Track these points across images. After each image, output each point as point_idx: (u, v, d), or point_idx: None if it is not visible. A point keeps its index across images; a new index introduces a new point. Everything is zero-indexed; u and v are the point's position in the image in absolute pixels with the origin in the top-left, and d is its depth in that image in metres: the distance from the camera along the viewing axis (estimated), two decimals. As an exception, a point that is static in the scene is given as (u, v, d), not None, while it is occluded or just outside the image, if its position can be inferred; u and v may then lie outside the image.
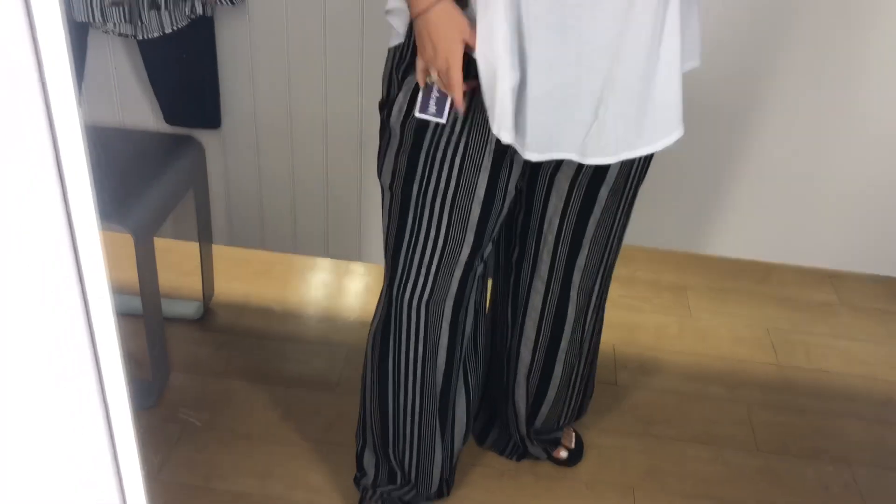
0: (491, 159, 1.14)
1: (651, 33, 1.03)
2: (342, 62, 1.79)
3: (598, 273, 1.36)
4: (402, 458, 1.42)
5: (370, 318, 2.08)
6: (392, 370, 1.34)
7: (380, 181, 1.24)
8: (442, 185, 1.16)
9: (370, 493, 1.50)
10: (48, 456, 0.59)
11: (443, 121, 1.10)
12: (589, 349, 1.49)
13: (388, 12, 1.13)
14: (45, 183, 0.50)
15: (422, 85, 1.09)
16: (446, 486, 1.51)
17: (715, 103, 1.79)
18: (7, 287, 0.50)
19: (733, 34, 1.73)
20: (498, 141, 1.10)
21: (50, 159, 0.50)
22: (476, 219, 1.19)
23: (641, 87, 1.06)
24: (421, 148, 1.14)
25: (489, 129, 1.08)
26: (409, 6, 1.06)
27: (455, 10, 1.03)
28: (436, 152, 1.13)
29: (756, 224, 1.97)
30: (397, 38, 1.14)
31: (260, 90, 1.85)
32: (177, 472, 1.63)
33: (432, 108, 1.10)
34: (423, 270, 1.24)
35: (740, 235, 1.99)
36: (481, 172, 1.15)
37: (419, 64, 1.08)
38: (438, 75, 1.06)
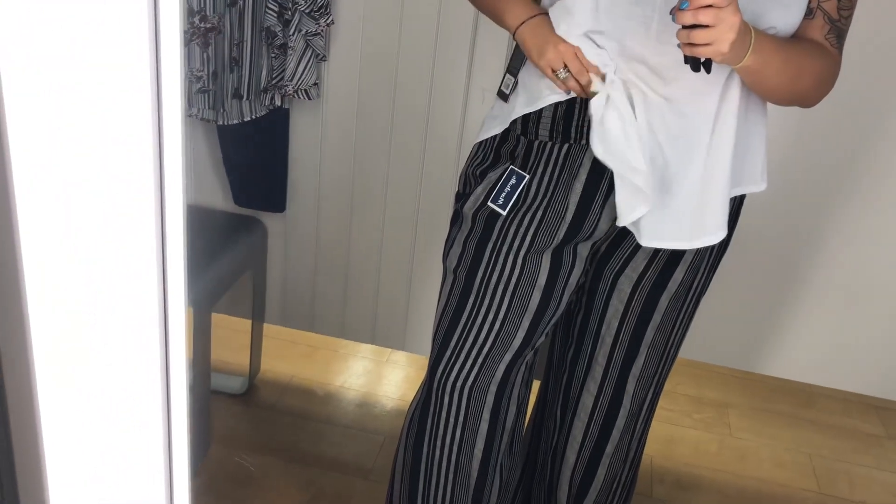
0: (551, 253, 1.20)
1: (709, 140, 1.10)
2: (404, 163, 1.89)
3: (652, 381, 1.37)
4: None
5: (407, 408, 2.11)
6: (426, 454, 1.35)
7: (444, 264, 1.30)
8: (506, 272, 1.21)
9: None
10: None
11: (504, 213, 1.19)
12: (634, 456, 1.48)
13: (492, 117, 1.24)
14: (148, 256, 0.56)
15: (551, 75, 1.13)
16: None
17: (771, 221, 1.83)
18: (104, 344, 0.56)
19: (795, 158, 1.78)
20: (564, 234, 1.17)
21: (154, 239, 0.56)
22: (535, 308, 1.24)
23: (696, 186, 1.13)
24: (490, 235, 1.21)
25: (556, 222, 1.16)
26: (510, 25, 1.17)
27: (549, 22, 1.14)
28: (504, 241, 1.20)
29: (803, 346, 1.97)
30: (486, 134, 1.23)
31: (325, 181, 1.95)
32: (206, 544, 1.64)
33: (500, 200, 1.19)
34: (473, 354, 1.27)
35: (787, 356, 1.99)
36: (543, 262, 1.21)
37: (545, 69, 1.13)
38: (565, 65, 1.12)
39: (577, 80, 1.12)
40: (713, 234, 1.19)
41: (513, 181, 1.19)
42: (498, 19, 1.22)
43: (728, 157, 1.13)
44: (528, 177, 1.18)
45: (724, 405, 2.29)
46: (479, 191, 1.22)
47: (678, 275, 1.26)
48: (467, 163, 1.27)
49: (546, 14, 1.15)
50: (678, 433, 2.14)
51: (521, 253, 1.21)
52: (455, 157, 1.86)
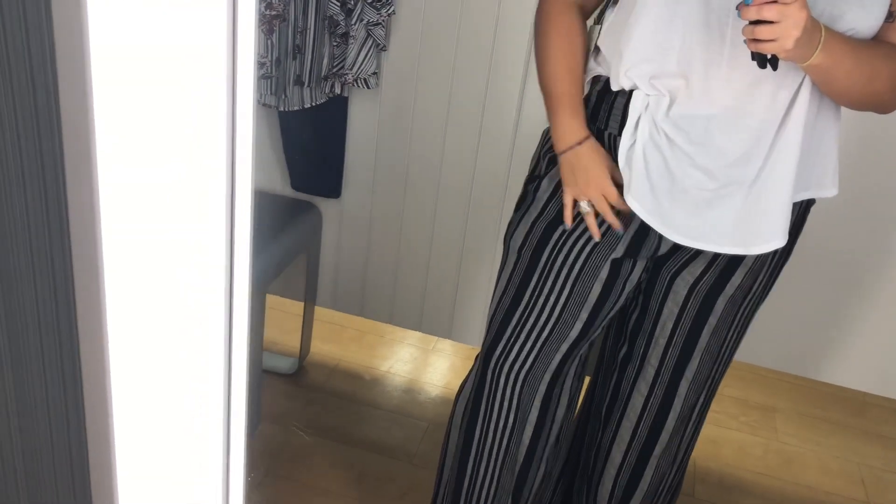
0: (623, 247, 1.22)
1: (772, 143, 1.09)
2: (459, 155, 1.91)
3: (705, 385, 1.36)
4: None
5: (451, 396, 2.13)
6: (478, 437, 1.37)
7: (507, 244, 1.32)
8: (571, 258, 1.23)
9: None
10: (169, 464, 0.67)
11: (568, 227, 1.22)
12: (682, 460, 1.47)
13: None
14: (218, 238, 0.59)
15: (569, 222, 1.21)
16: None
17: (835, 226, 1.80)
18: (172, 323, 0.59)
19: (864, 164, 1.75)
20: (634, 233, 1.19)
21: (224, 222, 0.58)
22: (594, 300, 1.25)
23: (753, 192, 1.12)
24: (562, 220, 1.22)
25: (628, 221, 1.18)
26: (556, 142, 1.19)
27: (600, 148, 1.18)
28: (574, 229, 1.22)
29: (858, 353, 1.93)
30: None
31: (381, 169, 1.98)
32: (253, 516, 1.70)
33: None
34: (531, 340, 1.29)
35: (840, 362, 1.96)
36: (610, 255, 1.22)
37: (567, 197, 1.19)
38: (591, 203, 1.18)
39: (594, 220, 1.19)
40: (772, 241, 1.17)
41: None
42: (547, 109, 1.23)
43: (793, 163, 1.11)
44: None
45: (770, 409, 2.26)
46: (555, 173, 1.23)
47: (737, 279, 1.25)
48: (539, 145, 1.29)
49: (592, 138, 1.18)
50: (723, 435, 2.12)
51: (591, 242, 1.22)
52: (509, 150, 1.87)
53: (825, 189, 1.21)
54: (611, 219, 1.19)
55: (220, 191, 0.57)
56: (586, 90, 1.20)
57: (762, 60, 0.99)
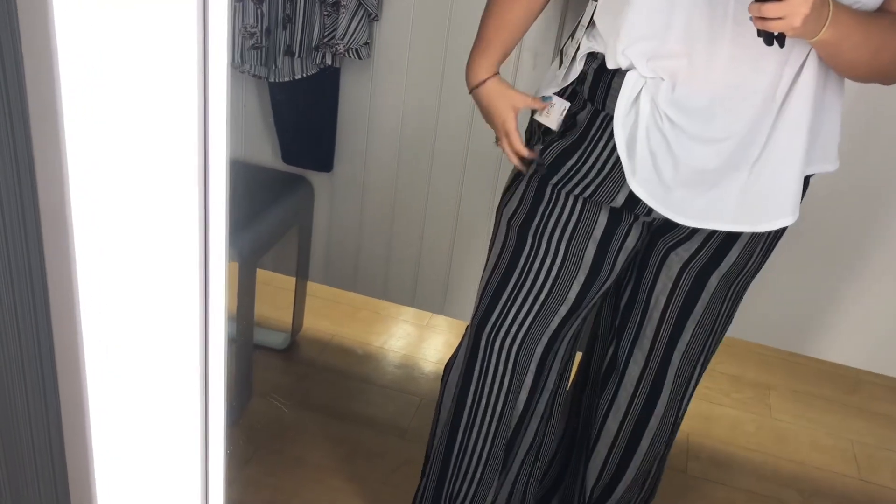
0: (609, 210, 1.20)
1: (774, 121, 1.07)
2: (452, 125, 1.88)
3: (698, 360, 1.36)
4: (455, 497, 1.43)
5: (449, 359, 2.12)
6: (470, 404, 1.36)
7: (500, 213, 1.31)
8: (563, 219, 1.21)
9: None
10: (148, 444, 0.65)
11: (554, 127, 1.20)
12: (672, 432, 1.47)
13: (554, 75, 1.26)
14: (190, 208, 0.57)
15: (513, 161, 1.26)
16: None
17: (831, 201, 1.78)
18: (143, 293, 0.57)
19: (859, 138, 1.73)
20: (623, 202, 1.17)
21: (197, 190, 0.56)
22: (589, 262, 1.23)
23: (757, 171, 1.10)
24: (554, 174, 1.20)
25: (615, 190, 1.16)
26: (467, 81, 1.27)
27: (503, 86, 1.24)
28: (562, 189, 1.20)
29: (852, 330, 1.92)
30: (549, 90, 1.24)
31: (373, 142, 1.95)
32: (244, 491, 1.69)
33: (543, 117, 1.22)
34: (527, 305, 1.27)
35: (834, 339, 1.95)
36: (601, 216, 1.20)
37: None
38: (500, 140, 1.25)
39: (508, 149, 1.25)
40: (780, 218, 1.15)
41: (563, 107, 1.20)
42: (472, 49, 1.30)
43: (802, 138, 1.09)
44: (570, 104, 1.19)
45: (764, 386, 2.26)
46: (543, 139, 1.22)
47: (732, 256, 1.24)
48: (531, 117, 1.27)
49: (499, 77, 1.25)
50: (716, 411, 2.12)
51: (581, 198, 1.20)
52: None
53: (827, 163, 1.19)
54: (515, 161, 1.24)
55: (192, 159, 0.55)
56: (580, 67, 1.17)
57: (769, 38, 0.97)
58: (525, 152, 1.23)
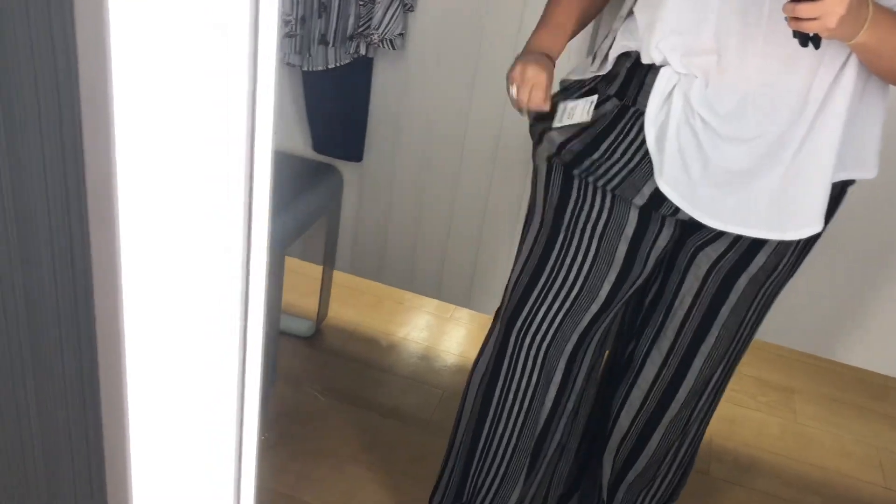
0: (639, 209, 1.18)
1: (809, 126, 1.06)
2: (484, 119, 1.88)
3: (721, 362, 1.34)
4: (479, 489, 1.43)
5: (468, 364, 2.13)
6: (498, 397, 1.36)
7: (529, 206, 1.30)
8: (595, 209, 1.20)
9: None
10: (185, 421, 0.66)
11: (588, 119, 1.18)
12: (694, 435, 1.46)
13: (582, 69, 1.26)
14: (237, 199, 0.57)
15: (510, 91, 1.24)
16: None
17: (867, 205, 1.75)
18: (188, 277, 0.58)
19: None
20: (649, 196, 1.16)
21: (243, 181, 0.57)
22: (622, 258, 1.22)
23: (788, 175, 1.09)
24: (573, 171, 1.19)
25: (642, 182, 1.15)
26: (525, 49, 1.26)
27: (551, 64, 1.23)
28: (588, 178, 1.19)
29: (883, 336, 1.90)
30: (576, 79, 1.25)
31: (403, 133, 1.96)
32: (266, 476, 1.70)
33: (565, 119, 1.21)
34: (559, 300, 1.26)
35: (864, 345, 1.92)
36: (632, 214, 1.19)
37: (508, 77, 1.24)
38: (518, 91, 1.21)
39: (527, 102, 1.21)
40: (807, 227, 1.13)
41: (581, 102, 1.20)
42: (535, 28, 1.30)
43: (835, 145, 1.07)
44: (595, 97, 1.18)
45: (790, 390, 2.24)
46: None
47: (760, 258, 1.22)
48: (552, 127, 1.26)
49: (545, 55, 1.23)
50: (741, 414, 2.11)
51: (609, 193, 1.18)
52: (535, 118, 1.84)
53: (865, 170, 1.16)
54: (523, 104, 1.21)
55: (240, 150, 0.55)
56: (610, 66, 1.17)
57: (804, 39, 0.95)
58: (545, 106, 1.20)
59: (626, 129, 1.15)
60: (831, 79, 1.04)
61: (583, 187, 1.20)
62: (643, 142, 1.13)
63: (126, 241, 0.55)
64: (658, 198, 1.15)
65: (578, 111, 1.18)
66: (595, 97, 1.17)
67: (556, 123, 1.20)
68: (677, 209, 1.15)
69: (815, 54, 1.00)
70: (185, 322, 0.60)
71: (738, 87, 1.07)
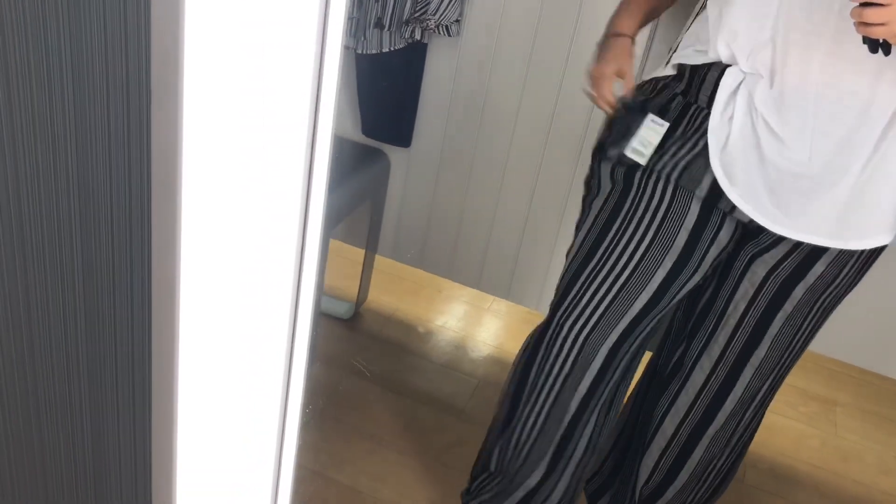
0: (700, 203, 1.17)
1: (881, 134, 1.03)
2: (535, 111, 1.87)
3: (771, 373, 1.31)
4: (506, 466, 1.42)
5: (504, 356, 2.12)
6: (533, 379, 1.35)
7: (585, 202, 1.30)
8: (657, 197, 1.19)
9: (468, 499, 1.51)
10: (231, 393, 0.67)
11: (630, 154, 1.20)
12: (736, 446, 1.44)
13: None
14: (296, 182, 0.57)
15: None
16: None
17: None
18: (242, 260, 0.58)
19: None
20: (707, 197, 1.14)
21: (303, 166, 0.57)
22: (680, 247, 1.20)
23: (858, 183, 1.06)
24: (638, 167, 1.19)
25: (700, 175, 1.13)
26: (607, 30, 1.29)
27: (632, 48, 1.25)
28: (652, 169, 1.18)
29: (929, 353, 1.85)
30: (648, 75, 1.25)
31: (453, 121, 1.95)
32: (299, 454, 1.72)
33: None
34: (608, 284, 1.25)
35: (908, 361, 1.88)
36: (693, 206, 1.17)
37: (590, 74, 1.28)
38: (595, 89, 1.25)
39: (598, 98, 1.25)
40: (875, 237, 1.10)
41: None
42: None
43: None
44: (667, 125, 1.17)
45: (831, 402, 2.19)
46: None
47: (819, 268, 1.19)
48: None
49: (628, 38, 1.26)
50: (780, 423, 2.07)
51: (671, 183, 1.17)
52: (588, 113, 1.82)
53: None
54: (601, 103, 1.25)
55: (302, 134, 0.55)
56: (678, 61, 1.16)
57: (873, 45, 0.92)
58: (627, 94, 1.23)
59: (690, 126, 1.13)
60: None
61: (645, 176, 1.18)
62: (706, 143, 1.11)
63: (186, 214, 0.55)
64: (718, 191, 1.13)
65: (650, 134, 1.18)
66: (666, 125, 1.16)
67: (630, 154, 1.20)
68: (734, 207, 1.13)
69: (881, 58, 0.97)
70: (238, 299, 0.61)
71: (802, 88, 1.04)
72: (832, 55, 1.01)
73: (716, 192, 1.14)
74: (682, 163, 1.14)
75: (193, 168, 0.54)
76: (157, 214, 0.57)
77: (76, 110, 0.56)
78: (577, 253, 1.28)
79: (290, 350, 0.68)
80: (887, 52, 0.92)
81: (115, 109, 0.54)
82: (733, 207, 1.14)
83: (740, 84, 1.08)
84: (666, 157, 1.16)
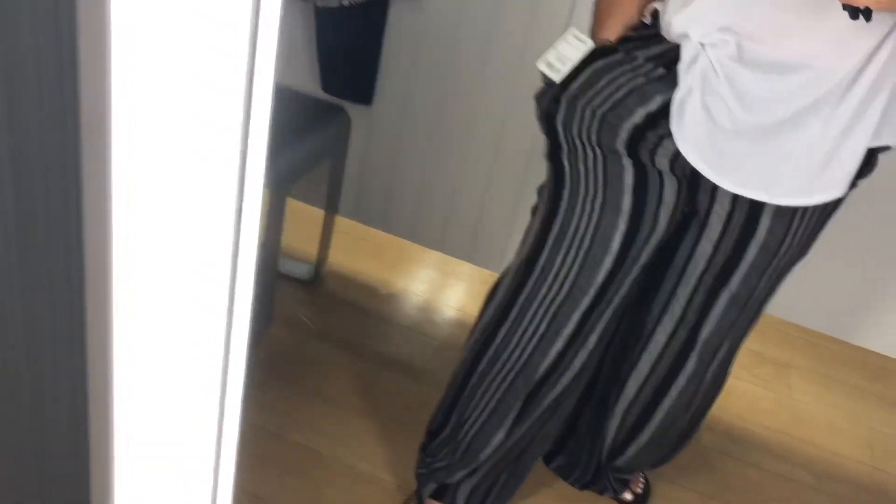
0: (632, 169, 1.15)
1: (846, 90, 1.03)
2: (501, 72, 1.83)
3: (727, 333, 1.32)
4: (464, 421, 1.42)
5: (466, 319, 2.11)
6: (502, 338, 1.33)
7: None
8: (591, 182, 1.18)
9: (423, 464, 1.51)
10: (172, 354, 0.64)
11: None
12: (698, 409, 1.45)
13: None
14: (232, 137, 0.54)
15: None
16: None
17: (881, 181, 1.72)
18: (178, 221, 0.55)
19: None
20: (629, 143, 1.13)
21: (240, 118, 0.54)
22: (628, 212, 1.19)
23: (828, 144, 1.05)
24: (562, 95, 1.17)
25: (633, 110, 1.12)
26: None
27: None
28: (577, 104, 1.16)
29: (885, 316, 1.88)
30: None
31: (416, 79, 1.91)
32: (256, 414, 1.70)
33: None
34: (569, 260, 1.24)
35: (864, 324, 1.91)
36: (626, 165, 1.16)
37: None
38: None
39: None
40: (832, 189, 1.10)
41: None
42: None
43: (878, 110, 1.04)
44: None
45: (786, 365, 2.23)
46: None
47: (764, 220, 1.19)
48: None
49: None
50: (735, 386, 2.10)
51: (599, 113, 1.13)
52: (551, 71, 1.79)
53: None
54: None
55: (239, 83, 0.52)
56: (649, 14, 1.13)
57: (854, 11, 0.91)
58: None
59: (636, 66, 1.11)
60: (874, 46, 1.01)
61: (576, 124, 1.16)
62: (653, 70, 1.09)
63: (117, 167, 0.52)
64: (640, 137, 1.12)
65: (568, 49, 1.15)
66: (573, 28, 1.13)
67: (542, 68, 1.16)
68: (671, 161, 1.12)
69: (850, 23, 0.96)
70: (174, 255, 0.58)
71: (773, 53, 1.03)
72: (803, 20, 1.00)
73: (637, 136, 1.12)
74: (620, 94, 1.11)
75: (122, 120, 0.51)
76: (86, 163, 0.54)
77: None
78: (543, 219, 1.27)
79: (231, 307, 0.66)
80: (868, 17, 0.91)
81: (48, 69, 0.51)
82: (671, 163, 1.13)
83: (709, 46, 1.06)
84: (594, 91, 1.13)
